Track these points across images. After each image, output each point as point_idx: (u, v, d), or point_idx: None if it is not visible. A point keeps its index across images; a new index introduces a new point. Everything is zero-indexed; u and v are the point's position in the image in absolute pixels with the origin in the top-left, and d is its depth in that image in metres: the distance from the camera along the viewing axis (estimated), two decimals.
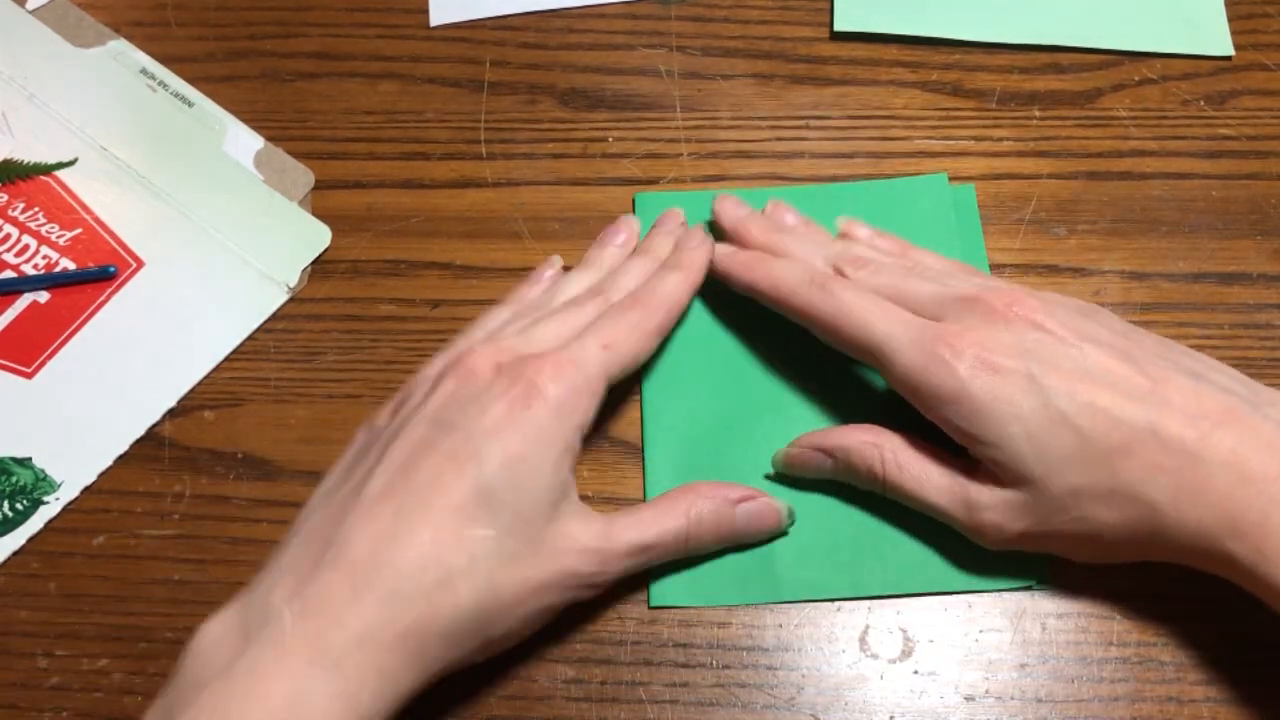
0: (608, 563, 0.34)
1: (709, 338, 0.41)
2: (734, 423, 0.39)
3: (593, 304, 0.38)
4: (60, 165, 0.45)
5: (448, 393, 0.34)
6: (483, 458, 0.32)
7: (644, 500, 0.38)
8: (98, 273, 0.43)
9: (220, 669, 0.29)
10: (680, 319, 0.40)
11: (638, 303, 0.37)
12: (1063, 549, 0.35)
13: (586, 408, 0.34)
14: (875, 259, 0.38)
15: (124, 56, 0.48)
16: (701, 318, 0.41)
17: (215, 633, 0.31)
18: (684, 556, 0.36)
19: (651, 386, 0.40)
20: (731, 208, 0.41)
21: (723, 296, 0.41)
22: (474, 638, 0.32)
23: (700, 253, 0.40)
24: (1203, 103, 0.45)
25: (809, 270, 0.38)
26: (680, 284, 0.39)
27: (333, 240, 0.44)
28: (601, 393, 0.35)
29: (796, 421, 0.39)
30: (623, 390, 0.36)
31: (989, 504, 0.34)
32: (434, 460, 0.32)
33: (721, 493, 0.36)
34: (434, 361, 0.38)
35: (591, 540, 0.34)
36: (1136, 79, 0.46)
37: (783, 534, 0.37)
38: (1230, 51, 0.46)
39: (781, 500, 0.37)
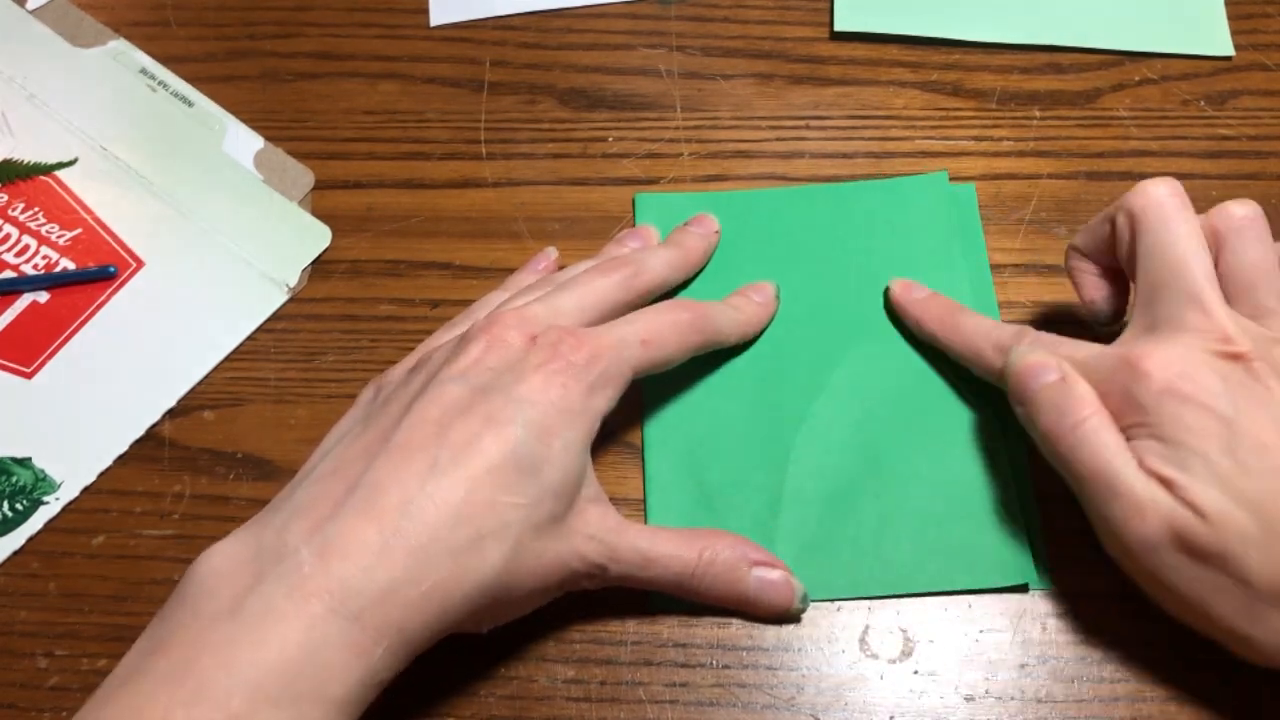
0: (612, 558, 0.33)
1: None
2: (735, 422, 0.39)
3: (619, 274, 0.37)
4: (60, 165, 0.45)
5: (475, 356, 0.33)
6: (520, 424, 0.31)
7: (644, 500, 0.38)
8: (98, 273, 0.43)
9: (227, 604, 0.28)
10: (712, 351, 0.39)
11: (689, 310, 0.37)
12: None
13: (613, 396, 0.34)
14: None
15: (124, 56, 0.48)
16: None
17: (220, 562, 0.29)
18: (685, 597, 0.35)
19: (652, 385, 0.40)
20: (903, 289, 0.40)
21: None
22: (490, 605, 0.31)
23: (769, 308, 0.40)
24: (1203, 103, 0.45)
25: (999, 332, 0.37)
26: (734, 324, 0.39)
27: (333, 240, 0.44)
28: (627, 385, 0.35)
29: (798, 419, 0.39)
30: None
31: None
32: (470, 420, 0.31)
33: (744, 549, 0.35)
34: (447, 330, 0.37)
35: (604, 531, 0.33)
36: (1136, 79, 0.46)
37: (792, 618, 0.36)
38: (1230, 51, 0.46)
39: (800, 582, 0.35)
